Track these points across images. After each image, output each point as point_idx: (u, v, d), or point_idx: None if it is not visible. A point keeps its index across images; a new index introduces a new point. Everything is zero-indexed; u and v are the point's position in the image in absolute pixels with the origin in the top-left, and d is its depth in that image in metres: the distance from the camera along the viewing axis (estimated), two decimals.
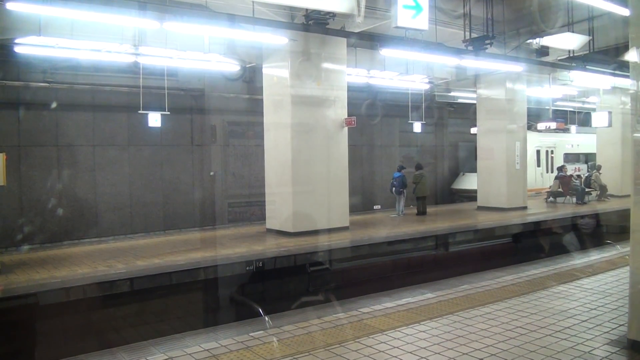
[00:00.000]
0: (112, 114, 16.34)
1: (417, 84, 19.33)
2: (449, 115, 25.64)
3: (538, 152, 25.46)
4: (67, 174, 15.51)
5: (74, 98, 15.45)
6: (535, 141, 24.95)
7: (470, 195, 22.43)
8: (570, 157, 27.85)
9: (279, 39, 11.58)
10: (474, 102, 20.69)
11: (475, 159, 21.33)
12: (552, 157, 26.41)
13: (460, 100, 23.91)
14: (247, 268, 10.27)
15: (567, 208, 18.81)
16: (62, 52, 12.16)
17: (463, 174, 24.98)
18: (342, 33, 12.67)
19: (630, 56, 5.52)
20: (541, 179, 25.47)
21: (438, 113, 24.75)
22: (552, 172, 25.25)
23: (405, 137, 23.81)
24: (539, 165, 25.57)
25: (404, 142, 24.16)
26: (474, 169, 22.51)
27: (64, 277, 8.87)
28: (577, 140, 28.49)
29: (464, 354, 5.35)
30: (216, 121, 18.34)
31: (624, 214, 14.46)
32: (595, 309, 6.84)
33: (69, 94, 15.28)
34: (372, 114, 21.50)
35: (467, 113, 24.27)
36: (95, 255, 10.89)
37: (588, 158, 28.55)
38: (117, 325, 8.92)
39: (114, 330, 8.78)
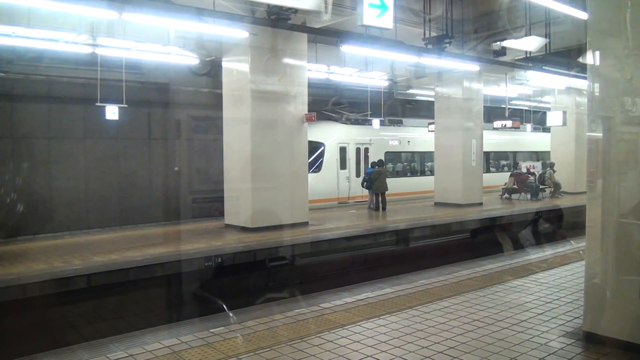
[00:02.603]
0: (68, 105, 16.00)
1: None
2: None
3: (344, 149, 19.96)
4: (21, 167, 15.13)
5: (30, 89, 15.08)
6: (341, 136, 20.06)
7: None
8: (393, 157, 22.27)
9: (239, 33, 11.49)
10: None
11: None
12: (367, 157, 20.61)
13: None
14: (206, 264, 10.19)
15: (522, 204, 19.17)
16: (19, 42, 11.81)
17: None
18: (304, 29, 12.65)
19: (588, 59, 5.68)
20: (347, 184, 19.88)
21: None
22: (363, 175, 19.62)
23: None
24: (343, 167, 19.82)
25: None
26: None
27: (19, 274, 8.64)
28: (410, 136, 22.57)
29: (423, 347, 5.42)
30: (175, 115, 18.14)
31: (578, 210, 14.87)
32: (550, 302, 7.00)
33: (25, 84, 14.90)
34: None
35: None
36: (51, 251, 10.65)
37: (425, 158, 22.90)
38: (74, 323, 8.76)
39: (72, 328, 8.61)
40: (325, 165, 19.04)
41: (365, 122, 20.59)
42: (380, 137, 21.36)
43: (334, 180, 19.35)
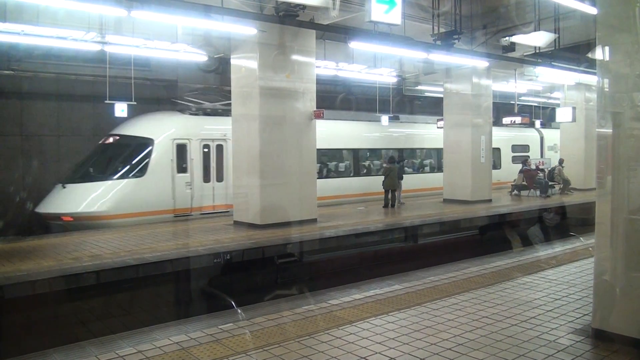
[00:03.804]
0: (77, 103, 16.07)
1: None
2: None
3: (183, 147, 15.11)
4: (31, 164, 15.20)
5: (39, 87, 15.15)
6: (180, 131, 15.27)
7: (68, 223, 13.51)
8: None
9: (247, 30, 11.50)
10: None
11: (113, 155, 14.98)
12: (220, 157, 15.87)
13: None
14: (215, 261, 10.22)
15: (531, 201, 19.09)
16: (28, 39, 11.84)
17: (64, 187, 13.84)
18: (313, 25, 12.64)
19: (597, 54, 5.65)
20: (188, 192, 15.08)
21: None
22: (218, 181, 15.65)
23: None
24: (182, 171, 15.05)
25: None
26: (86, 177, 14.30)
27: (29, 270, 8.69)
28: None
29: (432, 343, 5.42)
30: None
31: (587, 207, 14.77)
32: (559, 299, 6.98)
33: (34, 82, 14.97)
34: None
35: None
36: (61, 248, 10.70)
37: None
38: (84, 319, 8.81)
39: (82, 324, 8.66)
40: (152, 168, 14.47)
41: (228, 112, 15.31)
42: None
43: (167, 188, 14.73)
